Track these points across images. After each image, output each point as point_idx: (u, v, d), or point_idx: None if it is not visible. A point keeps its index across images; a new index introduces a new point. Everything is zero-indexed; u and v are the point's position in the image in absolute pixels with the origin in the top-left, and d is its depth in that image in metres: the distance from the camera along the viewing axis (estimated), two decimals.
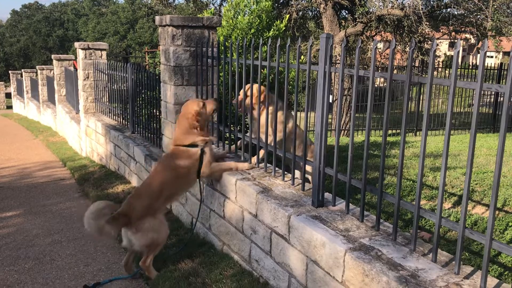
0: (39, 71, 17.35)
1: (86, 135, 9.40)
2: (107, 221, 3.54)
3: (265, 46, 5.04)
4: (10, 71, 28.23)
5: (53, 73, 14.22)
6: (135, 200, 3.70)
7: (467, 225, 2.34)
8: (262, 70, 3.86)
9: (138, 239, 3.60)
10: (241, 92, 4.15)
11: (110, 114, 8.68)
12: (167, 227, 3.81)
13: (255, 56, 3.92)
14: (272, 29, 5.49)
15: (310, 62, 3.25)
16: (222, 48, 4.40)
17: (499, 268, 3.60)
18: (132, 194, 3.87)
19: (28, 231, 5.08)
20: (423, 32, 12.94)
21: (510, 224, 4.24)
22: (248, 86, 4.08)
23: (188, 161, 3.77)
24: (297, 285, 3.05)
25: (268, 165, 4.04)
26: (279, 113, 4.05)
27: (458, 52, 2.25)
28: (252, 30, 5.39)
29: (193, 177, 3.87)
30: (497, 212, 4.56)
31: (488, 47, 2.18)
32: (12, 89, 26.79)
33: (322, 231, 2.84)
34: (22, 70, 22.70)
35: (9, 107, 28.66)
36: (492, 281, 2.27)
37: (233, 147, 4.53)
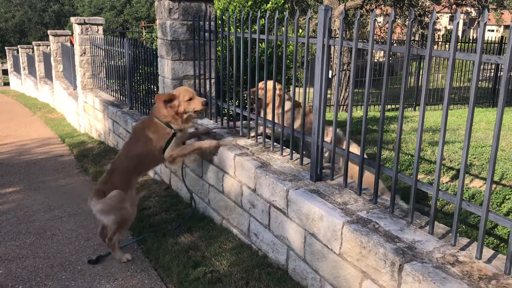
0: (35, 47, 17.17)
1: (84, 111, 9.36)
2: (97, 192, 3.60)
3: (263, 19, 4.98)
4: (6, 47, 27.94)
5: (50, 49, 14.07)
6: (111, 175, 3.70)
7: (464, 198, 2.36)
8: (259, 44, 3.82)
9: (104, 212, 3.59)
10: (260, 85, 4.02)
11: (107, 90, 8.63)
12: (136, 204, 3.79)
13: (253, 29, 3.87)
14: (270, 2, 5.42)
15: (309, 35, 3.21)
16: (219, 22, 4.34)
17: (495, 240, 3.64)
18: (109, 168, 3.82)
19: (28, 206, 5.10)
20: (424, 5, 12.77)
21: (507, 197, 4.27)
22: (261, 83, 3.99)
23: (157, 136, 3.74)
24: (295, 258, 3.09)
25: (266, 140, 4.04)
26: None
27: (458, 23, 2.22)
28: (249, 3, 5.31)
29: (159, 154, 3.79)
30: (494, 185, 4.59)
31: (489, 19, 2.15)
32: (8, 65, 26.60)
33: (320, 204, 2.86)
34: (18, 46, 22.46)
35: (6, 83, 28.49)
36: (487, 252, 2.30)
37: (232, 123, 4.51)
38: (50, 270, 3.63)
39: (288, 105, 3.91)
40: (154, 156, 3.81)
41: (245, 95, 4.41)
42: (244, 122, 4.35)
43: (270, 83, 3.98)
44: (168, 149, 3.76)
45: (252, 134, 4.18)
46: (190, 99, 3.79)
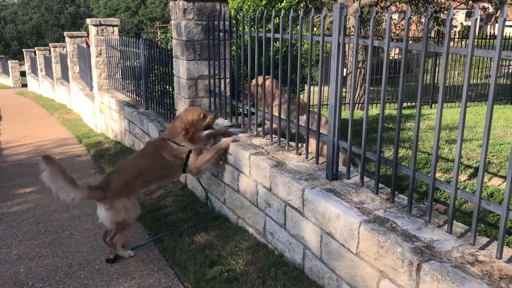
0: (52, 49, 17.40)
1: (101, 112, 9.46)
2: (87, 188, 3.64)
3: (277, 18, 4.97)
4: (23, 49, 28.36)
5: (66, 50, 14.26)
6: (114, 177, 3.76)
7: (483, 197, 2.32)
8: (274, 43, 3.81)
9: (110, 216, 3.66)
10: (253, 81, 4.25)
11: (123, 91, 8.71)
12: (138, 210, 3.85)
13: (267, 28, 3.87)
14: (284, 0, 5.40)
15: (324, 33, 3.20)
16: (234, 21, 4.35)
17: None
18: (113, 170, 3.94)
19: (46, 206, 5.18)
20: (439, 1, 12.62)
21: None
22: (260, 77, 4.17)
23: (173, 157, 3.90)
24: (311, 257, 3.08)
25: (282, 139, 4.03)
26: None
27: (476, 19, 2.19)
28: (264, 2, 5.30)
29: (176, 170, 3.99)
30: None
31: (508, 15, 2.12)
32: (26, 67, 26.99)
33: (336, 203, 2.85)
34: (36, 48, 22.79)
35: (24, 85, 28.93)
36: (508, 251, 2.26)
37: (240, 120, 4.52)
38: (69, 269, 3.68)
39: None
40: (164, 171, 3.97)
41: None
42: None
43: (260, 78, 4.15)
44: (190, 163, 3.95)
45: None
46: (204, 117, 4.04)
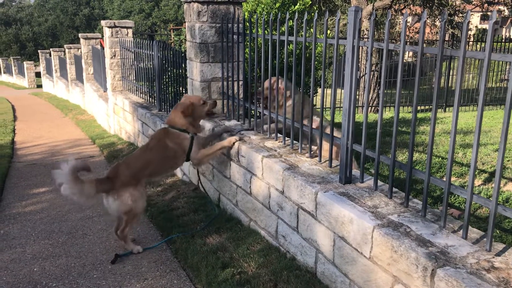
0: (67, 50, 17.58)
1: (114, 113, 9.53)
2: (96, 181, 3.74)
3: (291, 21, 4.97)
4: (39, 51, 28.70)
5: (81, 52, 14.40)
6: (121, 169, 3.88)
7: (499, 202, 2.29)
8: (288, 46, 3.81)
9: (117, 206, 3.77)
10: (266, 82, 4.29)
11: (137, 92, 8.76)
12: (145, 200, 3.97)
13: (281, 31, 3.87)
14: (298, 3, 5.40)
15: (338, 36, 3.19)
16: (248, 24, 4.35)
17: None
18: (120, 162, 4.05)
19: (60, 206, 5.23)
20: (454, 4, 12.52)
21: None
22: (274, 78, 4.22)
23: (176, 144, 4.01)
24: (324, 261, 3.06)
25: (294, 142, 4.02)
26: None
27: (493, 23, 2.16)
28: (277, 5, 5.31)
29: (180, 159, 4.11)
30: None
31: None
32: (41, 68, 27.33)
33: (349, 207, 2.83)
34: (51, 49, 23.06)
35: (39, 86, 29.28)
36: None
37: (253, 123, 4.52)
38: (82, 269, 3.71)
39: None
40: (169, 162, 4.11)
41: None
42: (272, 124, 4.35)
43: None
44: (192, 153, 4.07)
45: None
46: (204, 103, 4.20)
